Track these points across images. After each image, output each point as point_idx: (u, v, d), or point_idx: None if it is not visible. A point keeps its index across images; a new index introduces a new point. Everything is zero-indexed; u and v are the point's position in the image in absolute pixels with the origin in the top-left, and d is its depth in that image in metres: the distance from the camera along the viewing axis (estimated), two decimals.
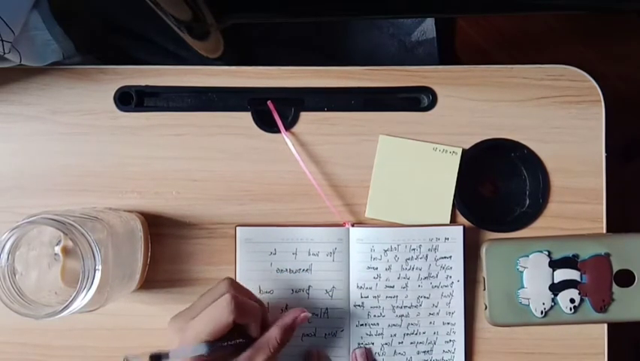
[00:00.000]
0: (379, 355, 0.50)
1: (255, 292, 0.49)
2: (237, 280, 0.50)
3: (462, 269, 0.50)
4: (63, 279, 0.44)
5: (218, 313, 0.40)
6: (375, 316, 0.50)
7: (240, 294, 0.41)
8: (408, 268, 0.50)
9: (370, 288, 0.50)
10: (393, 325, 0.50)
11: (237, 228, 0.50)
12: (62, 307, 0.38)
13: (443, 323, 0.50)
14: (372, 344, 0.50)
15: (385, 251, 0.50)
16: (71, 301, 0.38)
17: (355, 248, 0.50)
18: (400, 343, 0.50)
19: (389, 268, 0.50)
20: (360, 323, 0.50)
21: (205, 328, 0.39)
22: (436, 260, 0.50)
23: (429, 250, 0.50)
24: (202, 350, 0.38)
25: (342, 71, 0.52)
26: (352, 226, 0.50)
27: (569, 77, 0.52)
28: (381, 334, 0.50)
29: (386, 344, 0.50)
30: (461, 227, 0.50)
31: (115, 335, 0.50)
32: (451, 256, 0.50)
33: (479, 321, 0.50)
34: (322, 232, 0.50)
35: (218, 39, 0.54)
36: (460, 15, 0.87)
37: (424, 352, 0.50)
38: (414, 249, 0.50)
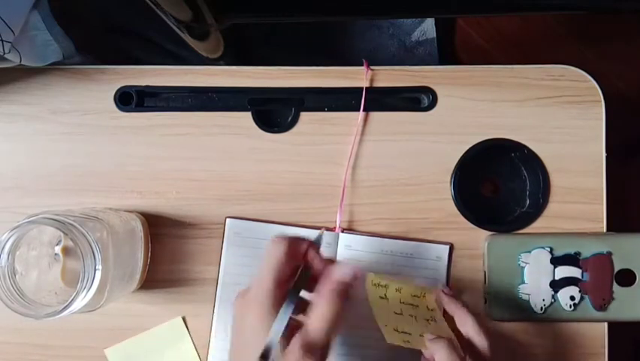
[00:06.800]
0: None
1: (234, 289, 0.49)
2: (221, 271, 0.50)
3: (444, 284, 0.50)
4: (63, 279, 0.44)
5: (268, 254, 0.39)
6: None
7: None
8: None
9: None
10: None
11: (227, 219, 0.50)
12: (62, 307, 0.38)
13: None
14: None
15: (372, 261, 0.49)
16: (71, 301, 0.38)
17: (342, 254, 0.50)
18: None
19: None
20: None
21: (264, 272, 0.38)
22: (421, 275, 0.50)
23: (415, 264, 0.50)
24: (286, 311, 0.37)
25: (342, 71, 0.52)
26: (342, 231, 0.50)
27: (569, 77, 0.52)
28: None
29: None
30: (447, 246, 0.50)
31: (115, 335, 0.50)
32: (435, 271, 0.50)
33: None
34: (311, 234, 0.50)
35: (218, 39, 0.54)
36: (460, 15, 0.87)
37: None
38: (400, 262, 0.50)
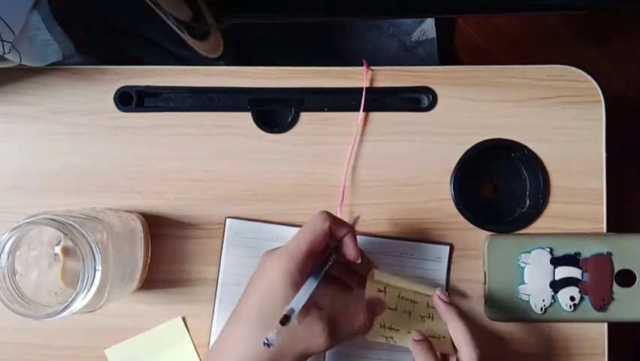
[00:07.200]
0: None
1: (234, 289, 0.49)
2: (221, 271, 0.50)
3: (444, 286, 0.50)
4: (63, 279, 0.44)
5: (313, 223, 0.41)
6: None
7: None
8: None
9: None
10: None
11: (227, 219, 0.50)
12: (62, 307, 0.38)
13: None
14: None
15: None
16: (71, 302, 0.38)
17: None
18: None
19: None
20: None
21: (303, 236, 0.41)
22: (421, 276, 0.50)
23: (415, 264, 0.50)
24: (313, 282, 0.39)
25: (342, 71, 0.52)
26: None
27: (569, 77, 0.52)
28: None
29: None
30: (448, 246, 0.50)
31: (115, 335, 0.50)
32: (435, 271, 0.50)
33: (477, 321, 0.50)
34: None
35: (218, 39, 0.54)
36: (460, 15, 0.87)
37: None
38: (401, 262, 0.50)
